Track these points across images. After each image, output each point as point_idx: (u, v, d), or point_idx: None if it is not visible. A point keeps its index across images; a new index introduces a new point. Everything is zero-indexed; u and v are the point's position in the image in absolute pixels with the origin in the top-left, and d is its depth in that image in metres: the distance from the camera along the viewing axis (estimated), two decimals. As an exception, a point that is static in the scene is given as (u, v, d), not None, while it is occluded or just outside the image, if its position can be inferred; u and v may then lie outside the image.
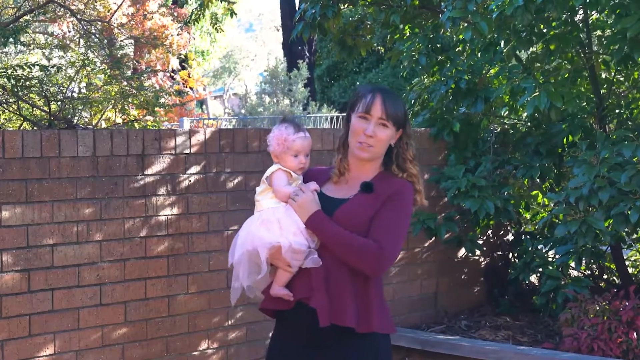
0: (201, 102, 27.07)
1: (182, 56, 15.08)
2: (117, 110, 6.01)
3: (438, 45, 6.16)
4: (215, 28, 11.17)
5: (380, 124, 2.83)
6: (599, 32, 6.10)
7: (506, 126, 6.34)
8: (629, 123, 5.81)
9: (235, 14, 7.99)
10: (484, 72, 6.07)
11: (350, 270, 2.82)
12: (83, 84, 6.20)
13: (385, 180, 2.89)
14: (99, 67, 6.79)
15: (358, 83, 14.86)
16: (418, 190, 2.92)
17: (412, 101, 6.45)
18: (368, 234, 2.80)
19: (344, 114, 3.09)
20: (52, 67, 5.72)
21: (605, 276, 6.04)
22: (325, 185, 2.97)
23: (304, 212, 2.83)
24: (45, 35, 12.40)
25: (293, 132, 2.91)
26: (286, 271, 2.86)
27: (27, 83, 5.28)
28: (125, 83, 6.11)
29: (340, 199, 2.90)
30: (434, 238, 5.89)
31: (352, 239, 2.79)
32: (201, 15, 8.01)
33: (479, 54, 6.14)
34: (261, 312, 3.04)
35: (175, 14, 13.26)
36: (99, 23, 9.97)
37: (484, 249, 6.19)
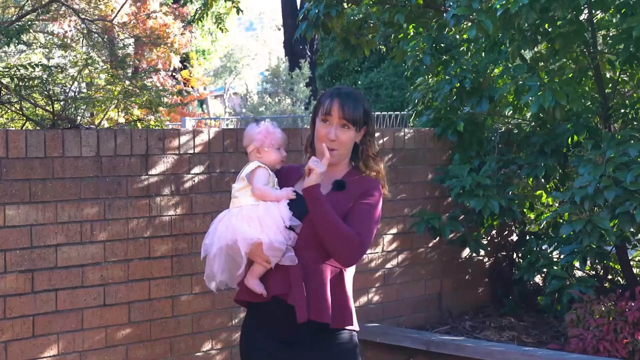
0: (201, 102, 27.04)
1: (183, 55, 15.06)
2: (119, 109, 5.98)
3: (442, 45, 6.14)
4: (220, 28, 11.15)
5: (340, 125, 2.91)
6: (604, 32, 6.08)
7: (510, 126, 6.32)
8: (634, 122, 5.78)
9: (242, 11, 7.94)
10: (488, 71, 6.04)
11: (327, 267, 2.89)
12: (84, 84, 6.17)
13: (355, 178, 2.97)
14: (102, 66, 6.77)
15: (360, 82, 14.83)
16: (382, 186, 3.02)
17: (416, 101, 6.43)
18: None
19: None
20: (55, 67, 5.70)
21: (610, 276, 6.02)
22: (297, 183, 3.03)
23: (316, 178, 2.85)
24: (46, 34, 12.37)
25: (273, 126, 3.03)
26: (263, 266, 2.92)
27: (30, 83, 5.25)
28: (128, 82, 6.08)
29: None
30: (438, 238, 5.87)
31: (341, 224, 2.84)
32: (204, 14, 7.98)
33: (484, 53, 6.12)
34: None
35: (177, 12, 13.24)
36: (101, 22, 9.95)
37: (489, 249, 6.17)
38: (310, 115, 3.09)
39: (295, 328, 2.87)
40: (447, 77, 5.95)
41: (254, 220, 2.91)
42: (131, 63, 10.10)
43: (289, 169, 3.11)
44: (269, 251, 2.87)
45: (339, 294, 2.92)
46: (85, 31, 9.20)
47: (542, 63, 5.88)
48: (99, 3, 9.41)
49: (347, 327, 2.95)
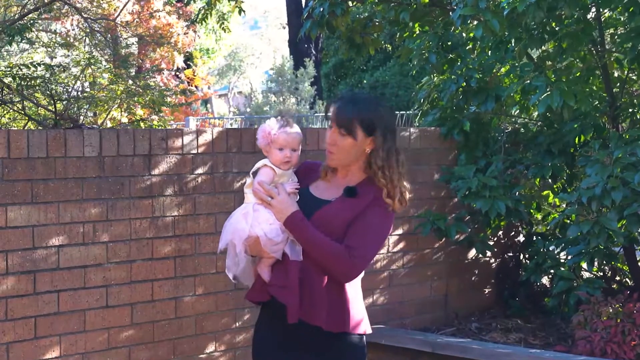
0: (206, 101, 27.02)
1: (187, 54, 15.02)
2: (122, 109, 5.95)
3: (448, 43, 6.09)
4: (223, 28, 11.13)
5: (337, 132, 2.85)
6: (611, 30, 6.02)
7: (517, 125, 6.27)
8: (642, 122, 5.73)
9: (244, 11, 7.89)
10: (494, 70, 5.99)
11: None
12: (87, 83, 6.14)
13: (369, 187, 2.89)
14: (105, 66, 6.73)
15: (365, 81, 14.78)
16: (391, 197, 2.87)
17: (422, 100, 6.38)
18: (345, 239, 2.81)
19: None
20: (58, 66, 5.66)
21: (617, 278, 5.96)
22: (315, 182, 2.98)
23: (281, 214, 2.84)
24: (48, 33, 12.35)
25: (279, 126, 2.94)
26: (269, 258, 2.88)
27: (32, 82, 5.22)
28: (130, 82, 6.04)
29: (323, 200, 2.90)
30: (444, 239, 5.82)
31: (326, 244, 2.80)
32: (208, 14, 7.93)
33: (490, 52, 6.07)
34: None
35: (181, 12, 13.21)
36: (103, 21, 9.92)
37: (495, 250, 6.12)
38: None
39: (294, 329, 2.83)
40: (453, 76, 5.90)
41: (250, 215, 2.88)
42: (134, 62, 10.07)
43: (310, 167, 3.05)
44: (267, 245, 2.83)
45: (339, 295, 2.85)
46: (87, 30, 9.17)
47: (549, 62, 5.82)
48: (101, 2, 9.38)
49: (349, 331, 2.87)
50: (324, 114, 3.02)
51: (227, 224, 2.96)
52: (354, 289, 2.91)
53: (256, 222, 2.85)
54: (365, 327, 2.94)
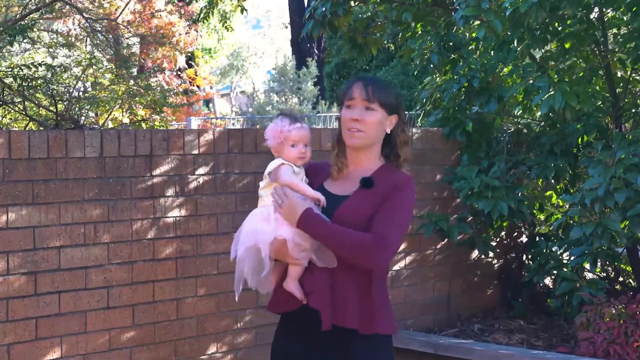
0: (208, 101, 27.00)
1: (189, 54, 15.02)
2: (124, 110, 5.94)
3: (450, 44, 6.07)
4: (225, 27, 11.11)
5: (365, 107, 2.80)
6: (614, 30, 6.00)
7: (520, 126, 6.25)
8: (645, 122, 5.71)
9: (246, 10, 7.86)
10: (497, 70, 5.97)
11: (354, 271, 2.76)
12: (89, 83, 6.13)
13: (385, 175, 2.85)
14: (106, 66, 6.72)
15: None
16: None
17: (424, 100, 6.37)
18: (370, 228, 2.74)
19: None
20: (59, 66, 5.65)
21: (620, 279, 5.94)
22: (327, 180, 2.93)
23: (292, 218, 2.77)
24: (50, 34, 12.35)
25: (288, 123, 2.87)
26: (295, 265, 2.80)
27: (33, 82, 5.21)
28: (132, 82, 6.03)
29: (341, 196, 2.84)
30: (446, 240, 5.80)
31: (348, 234, 2.72)
32: (210, 13, 7.92)
33: (492, 52, 6.04)
34: (270, 313, 2.99)
35: (182, 11, 13.20)
36: (105, 21, 9.92)
37: (498, 250, 6.10)
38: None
39: (324, 333, 2.76)
40: (455, 76, 5.88)
41: (272, 217, 2.79)
42: (136, 62, 10.06)
43: (319, 166, 2.99)
44: (294, 249, 2.75)
45: (368, 297, 2.78)
46: (89, 30, 9.17)
47: (552, 62, 5.80)
48: (103, 2, 9.37)
49: (380, 332, 2.80)
50: (337, 98, 2.95)
51: (243, 231, 2.87)
52: (381, 288, 2.84)
53: (280, 224, 2.77)
54: (392, 327, 2.87)
